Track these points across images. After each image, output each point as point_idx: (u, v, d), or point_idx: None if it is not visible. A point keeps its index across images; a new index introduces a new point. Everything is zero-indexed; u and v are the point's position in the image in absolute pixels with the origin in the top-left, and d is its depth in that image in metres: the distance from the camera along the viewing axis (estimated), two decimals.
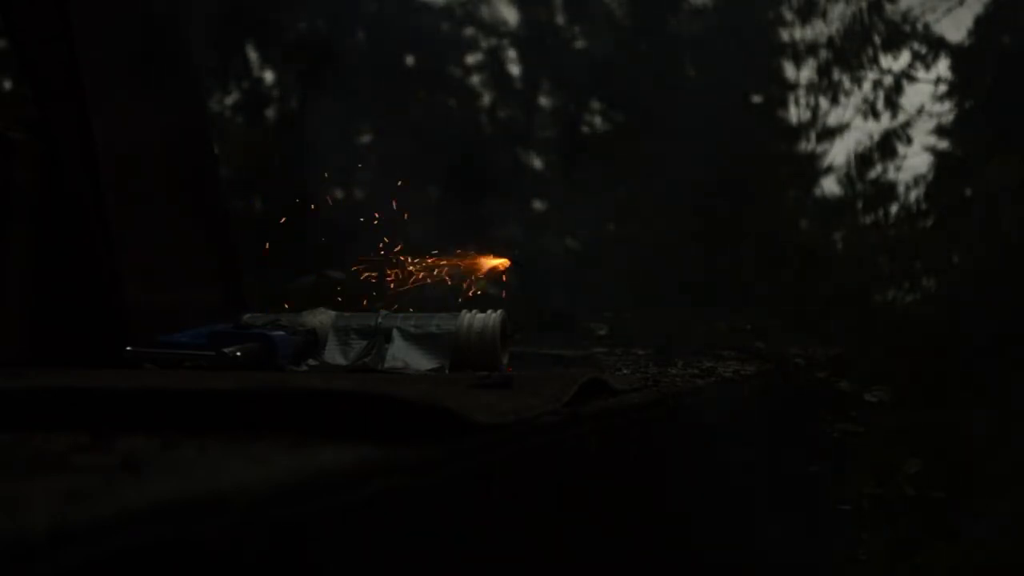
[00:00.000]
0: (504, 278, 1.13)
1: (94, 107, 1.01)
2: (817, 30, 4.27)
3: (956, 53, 4.05)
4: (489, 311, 0.99)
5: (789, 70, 4.51)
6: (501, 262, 1.12)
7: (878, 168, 4.12)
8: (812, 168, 4.46)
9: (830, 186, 4.43)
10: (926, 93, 4.23)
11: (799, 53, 4.36)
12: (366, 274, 1.13)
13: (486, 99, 5.18)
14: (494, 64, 5.12)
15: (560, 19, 5.14)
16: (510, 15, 5.13)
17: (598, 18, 5.01)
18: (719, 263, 3.80)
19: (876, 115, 4.14)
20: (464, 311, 0.99)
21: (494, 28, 5.13)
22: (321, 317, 1.00)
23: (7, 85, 3.79)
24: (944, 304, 3.24)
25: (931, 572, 1.63)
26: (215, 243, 1.17)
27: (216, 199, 1.19)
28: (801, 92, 4.43)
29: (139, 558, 0.33)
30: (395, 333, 0.98)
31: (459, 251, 1.11)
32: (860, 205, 4.11)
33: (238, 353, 0.88)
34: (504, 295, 1.14)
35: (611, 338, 1.62)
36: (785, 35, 4.45)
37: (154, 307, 1.01)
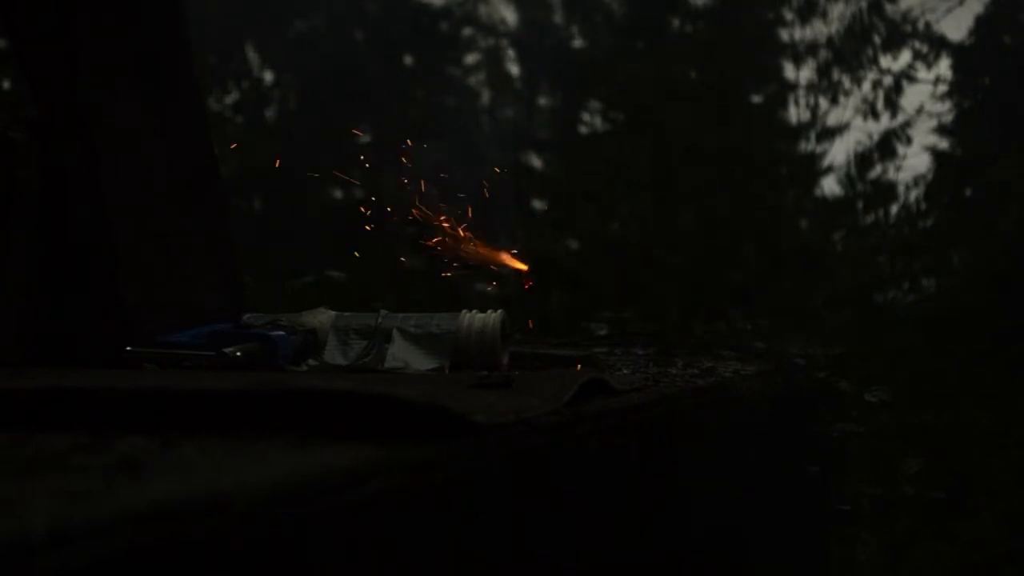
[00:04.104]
0: (527, 283, 1.14)
1: (94, 107, 1.01)
2: (817, 30, 4.27)
3: (957, 52, 4.06)
4: (489, 311, 0.99)
5: (789, 70, 4.51)
6: (520, 265, 1.13)
7: (878, 168, 4.12)
8: (812, 168, 4.46)
9: (830, 186, 4.43)
10: (926, 93, 4.24)
11: (799, 53, 4.37)
12: (425, 232, 1.13)
13: (485, 98, 5.18)
14: (493, 64, 5.12)
15: (559, 19, 5.14)
16: (509, 15, 5.13)
17: (597, 17, 5.01)
18: (719, 263, 3.80)
19: (876, 115, 4.14)
20: (464, 311, 0.99)
21: (492, 28, 5.13)
22: (321, 317, 1.00)
23: (7, 85, 3.79)
24: (944, 304, 3.24)
25: (931, 572, 1.63)
26: (215, 243, 1.17)
27: (216, 199, 1.19)
28: (801, 92, 4.43)
29: (139, 558, 0.33)
30: (395, 333, 0.98)
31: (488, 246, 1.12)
32: (860, 205, 4.11)
33: (238, 353, 0.88)
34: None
35: (611, 338, 1.62)
36: (785, 35, 4.46)
37: (154, 307, 1.01)
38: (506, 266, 1.13)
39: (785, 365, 1.44)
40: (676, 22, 4.83)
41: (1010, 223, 3.03)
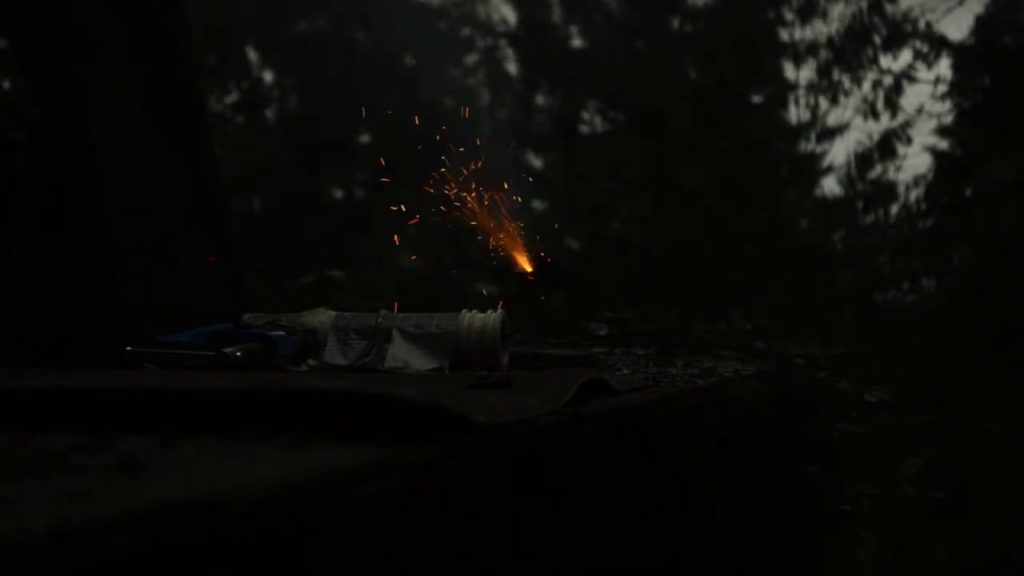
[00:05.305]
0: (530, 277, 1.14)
1: (94, 107, 1.01)
2: (817, 30, 4.27)
3: (957, 52, 4.05)
4: (489, 311, 0.99)
5: (789, 70, 4.51)
6: (528, 269, 1.13)
7: (878, 168, 4.12)
8: (812, 168, 4.46)
9: (830, 186, 4.44)
10: (926, 93, 4.24)
11: (799, 53, 4.37)
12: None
13: (485, 98, 5.17)
14: (491, 64, 5.11)
15: (557, 18, 5.14)
16: (508, 14, 5.13)
17: (597, 17, 5.00)
18: (719, 263, 3.80)
19: (876, 115, 4.14)
20: (464, 311, 0.99)
21: (491, 28, 5.13)
22: (321, 317, 1.00)
23: (7, 85, 3.80)
24: (944, 304, 3.24)
25: (931, 572, 1.63)
26: (215, 243, 1.17)
27: (216, 199, 1.19)
28: (801, 92, 4.43)
29: (139, 558, 0.33)
30: (395, 333, 0.98)
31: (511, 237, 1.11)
32: (860, 205, 4.11)
33: (238, 353, 0.88)
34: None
35: (611, 338, 1.62)
36: (785, 35, 4.46)
37: (154, 307, 1.01)
38: (516, 261, 1.13)
39: (785, 365, 1.44)
40: (676, 22, 4.83)
41: (1010, 223, 3.03)
